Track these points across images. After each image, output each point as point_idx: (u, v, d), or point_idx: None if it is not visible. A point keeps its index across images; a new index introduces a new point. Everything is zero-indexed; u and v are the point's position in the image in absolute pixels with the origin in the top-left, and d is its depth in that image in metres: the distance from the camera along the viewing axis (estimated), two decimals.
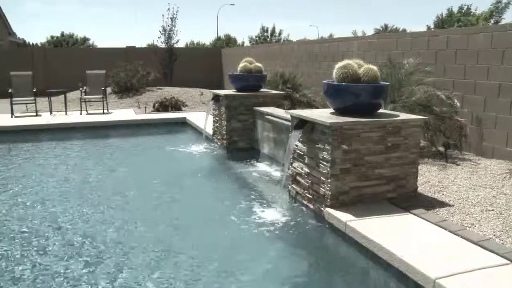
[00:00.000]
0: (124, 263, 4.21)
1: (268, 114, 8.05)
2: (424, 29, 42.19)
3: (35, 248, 4.52)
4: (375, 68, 5.30)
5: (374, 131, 4.99)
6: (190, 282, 3.87)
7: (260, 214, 5.32)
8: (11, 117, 12.99)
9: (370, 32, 61.26)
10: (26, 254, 4.38)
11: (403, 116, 5.36)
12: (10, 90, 13.33)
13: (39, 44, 55.39)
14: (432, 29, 37.08)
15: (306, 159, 5.41)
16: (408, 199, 5.11)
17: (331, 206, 4.90)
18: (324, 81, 5.47)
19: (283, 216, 5.25)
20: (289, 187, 5.89)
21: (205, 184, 7.16)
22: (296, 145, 5.60)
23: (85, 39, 59.38)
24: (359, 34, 52.40)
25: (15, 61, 21.75)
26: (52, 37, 58.04)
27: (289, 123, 6.12)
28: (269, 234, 4.83)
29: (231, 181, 7.17)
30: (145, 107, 14.60)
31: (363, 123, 4.95)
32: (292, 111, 6.05)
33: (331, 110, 5.56)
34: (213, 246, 4.66)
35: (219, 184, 7.13)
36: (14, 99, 13.25)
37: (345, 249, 4.43)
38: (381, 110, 5.55)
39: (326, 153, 4.95)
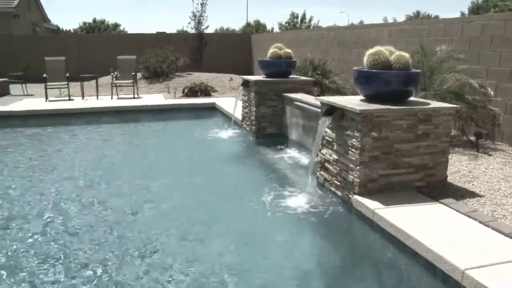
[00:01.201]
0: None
1: (297, 100, 8.03)
2: (458, 15, 41.23)
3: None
4: (406, 55, 5.23)
5: (404, 119, 4.94)
6: (216, 269, 3.93)
7: (288, 200, 5.34)
8: (46, 101, 13.28)
9: (401, 18, 60.24)
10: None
11: (435, 104, 5.28)
12: (44, 75, 13.61)
13: (72, 31, 56.20)
14: (467, 15, 36.20)
15: (335, 146, 5.40)
16: (437, 189, 5.06)
17: (359, 194, 4.89)
18: (355, 68, 5.43)
19: (311, 203, 5.26)
20: (317, 173, 5.89)
21: (233, 169, 7.21)
22: (325, 132, 5.58)
23: (116, 25, 60.05)
24: (390, 20, 51.55)
25: (49, 47, 22.11)
26: (84, 23, 58.89)
27: (318, 110, 6.10)
28: (296, 220, 4.86)
29: (259, 166, 7.20)
30: (175, 92, 14.72)
31: (393, 110, 4.90)
32: (321, 97, 6.02)
33: (361, 97, 5.52)
34: (239, 231, 4.71)
35: (247, 169, 7.17)
36: (48, 83, 13.53)
37: (372, 236, 4.42)
38: (411, 98, 5.48)
39: (355, 140, 4.92)
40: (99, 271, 3.78)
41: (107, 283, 3.61)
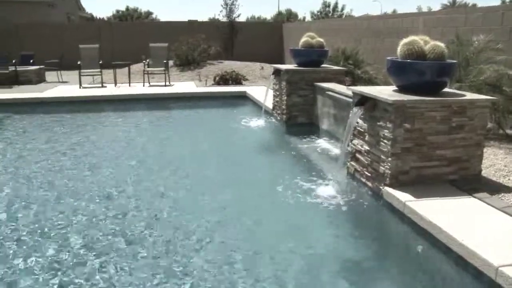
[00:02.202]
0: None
1: (329, 90, 7.96)
2: (498, 3, 40.07)
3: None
4: (442, 45, 5.11)
5: (438, 111, 4.84)
6: (249, 254, 3.95)
7: (318, 190, 5.32)
8: (79, 88, 13.52)
9: (436, 7, 58.89)
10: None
11: (470, 96, 5.16)
12: (79, 63, 13.85)
13: (106, 19, 56.93)
14: (508, 3, 35.14)
15: (367, 136, 5.34)
16: (470, 182, 4.95)
17: (390, 185, 4.83)
18: (388, 58, 5.34)
19: (341, 193, 5.23)
20: (348, 164, 5.84)
21: (263, 158, 7.22)
22: (357, 122, 5.52)
23: (148, 13, 60.56)
24: (424, 10, 50.50)
25: (83, 35, 22.46)
26: (117, 11, 59.64)
27: (350, 100, 6.04)
28: (326, 210, 4.84)
29: (290, 155, 7.19)
30: (206, 80, 14.77)
31: (427, 101, 4.80)
32: (354, 87, 5.95)
33: (394, 87, 5.43)
34: (269, 220, 4.72)
35: (277, 158, 7.17)
36: (82, 71, 13.77)
37: (402, 229, 4.37)
38: (446, 89, 5.37)
39: (387, 131, 4.86)
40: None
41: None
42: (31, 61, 16.63)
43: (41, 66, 16.70)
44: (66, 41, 21.98)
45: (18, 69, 15.28)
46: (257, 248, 4.07)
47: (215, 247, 4.07)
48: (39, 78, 16.09)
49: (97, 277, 3.56)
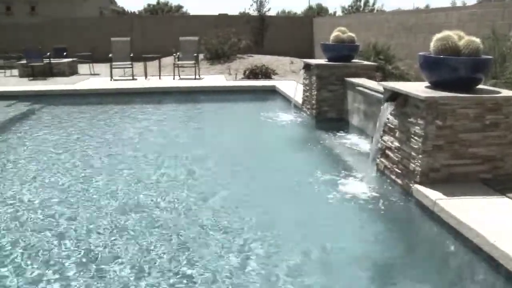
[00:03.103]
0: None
1: (359, 85, 7.88)
2: None
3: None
4: (477, 40, 4.98)
5: (472, 108, 4.73)
6: (272, 250, 3.95)
7: (347, 186, 5.27)
8: (111, 80, 13.71)
9: (471, 1, 57.60)
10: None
11: (506, 93, 5.03)
12: (110, 55, 14.05)
13: (137, 12, 57.54)
14: None
15: (397, 133, 5.26)
16: (504, 182, 4.83)
17: (420, 183, 4.75)
18: (420, 53, 5.25)
19: (370, 190, 5.17)
20: (378, 160, 5.77)
21: (292, 152, 7.19)
22: (387, 118, 5.45)
23: (179, 7, 60.94)
24: (459, 4, 49.43)
25: (115, 28, 22.73)
26: (148, 5, 60.13)
27: (381, 95, 5.96)
28: (354, 206, 4.80)
29: (318, 150, 7.15)
30: (236, 74, 14.80)
31: (460, 98, 4.70)
32: (385, 83, 5.87)
33: (426, 83, 5.33)
34: (297, 215, 4.70)
35: (306, 153, 7.13)
36: (113, 63, 13.97)
37: (432, 227, 4.30)
38: (480, 86, 5.24)
39: (418, 128, 4.78)
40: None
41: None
42: (64, 54, 16.96)
43: (74, 59, 17.03)
44: (98, 34, 22.28)
45: (52, 61, 15.61)
46: (279, 243, 4.07)
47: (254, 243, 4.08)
48: (71, 71, 16.40)
49: None
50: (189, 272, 3.53)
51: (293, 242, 4.08)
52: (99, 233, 4.20)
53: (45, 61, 15.41)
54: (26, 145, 7.43)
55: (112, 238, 4.10)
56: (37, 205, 4.88)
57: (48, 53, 15.77)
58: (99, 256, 3.77)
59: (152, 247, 3.93)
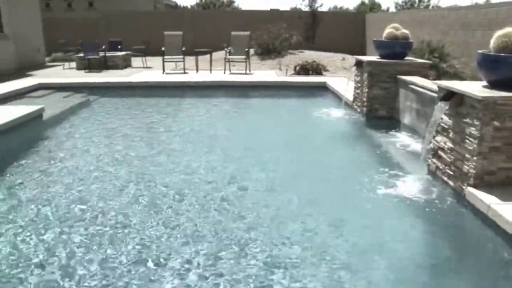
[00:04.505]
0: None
1: (412, 83, 7.69)
2: None
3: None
4: None
5: None
6: (320, 252, 3.91)
7: (396, 186, 5.16)
8: (163, 73, 13.97)
9: None
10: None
11: None
12: (163, 49, 14.31)
13: (189, 7, 58.31)
14: None
15: (451, 133, 5.11)
16: None
17: (474, 186, 4.59)
18: (479, 51, 5.05)
19: (420, 191, 5.04)
20: (429, 161, 5.63)
21: (341, 150, 7.11)
22: (441, 118, 5.29)
23: (230, 2, 61.25)
24: None
25: (168, 22, 23.10)
26: (201, 0, 60.71)
27: (435, 94, 5.80)
28: (403, 208, 4.69)
29: (368, 149, 7.04)
30: (286, 70, 14.76)
31: None
32: (439, 81, 5.70)
33: (483, 83, 5.13)
34: (343, 214, 4.64)
35: (355, 151, 7.04)
36: (165, 57, 14.22)
37: (485, 233, 4.14)
38: None
39: (474, 128, 4.62)
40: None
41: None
42: (119, 47, 17.39)
43: (128, 52, 17.43)
44: (151, 28, 22.68)
45: (107, 54, 16.06)
46: (327, 240, 4.03)
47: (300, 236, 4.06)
48: (125, 64, 16.82)
49: None
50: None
51: (332, 240, 4.04)
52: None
53: (100, 54, 15.86)
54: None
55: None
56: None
57: (104, 47, 16.23)
58: None
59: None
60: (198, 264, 3.57)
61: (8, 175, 5.63)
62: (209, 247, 3.83)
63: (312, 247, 3.88)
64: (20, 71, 15.38)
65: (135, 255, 3.69)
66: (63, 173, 5.76)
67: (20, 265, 3.55)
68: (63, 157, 6.45)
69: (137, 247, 3.83)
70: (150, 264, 3.57)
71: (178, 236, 4.05)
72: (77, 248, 3.80)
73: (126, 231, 4.14)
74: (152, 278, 3.38)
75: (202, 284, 3.31)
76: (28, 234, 4.05)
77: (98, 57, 15.81)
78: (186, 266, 3.55)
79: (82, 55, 15.86)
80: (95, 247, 3.82)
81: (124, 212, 4.54)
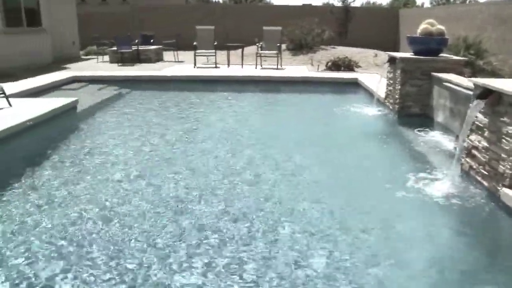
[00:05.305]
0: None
1: (447, 81, 7.55)
2: None
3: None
4: None
5: None
6: (348, 251, 3.89)
7: (428, 185, 5.08)
8: (194, 67, 14.06)
9: None
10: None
11: None
12: (194, 43, 14.40)
13: (221, 1, 58.40)
14: None
15: (486, 132, 5.00)
16: None
17: (510, 187, 4.49)
18: None
19: (452, 190, 4.95)
20: (463, 160, 5.52)
21: (372, 147, 7.04)
22: (476, 117, 5.18)
23: None
24: None
25: (199, 16, 23.20)
26: None
27: (470, 92, 5.69)
28: (435, 207, 4.61)
29: (399, 147, 6.96)
30: (318, 65, 14.68)
31: None
32: (476, 79, 5.58)
33: None
34: (373, 212, 4.59)
35: (386, 149, 6.97)
36: (197, 51, 14.31)
37: None
38: None
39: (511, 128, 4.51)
40: None
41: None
42: (151, 41, 17.57)
43: (160, 46, 17.60)
44: (183, 22, 22.82)
45: (139, 48, 16.25)
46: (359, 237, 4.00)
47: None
48: (157, 57, 16.99)
49: None
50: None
51: (361, 240, 4.00)
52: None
53: (133, 48, 16.06)
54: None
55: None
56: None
57: (136, 40, 16.43)
58: None
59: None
60: None
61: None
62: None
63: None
64: (56, 64, 15.70)
65: None
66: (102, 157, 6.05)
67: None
68: (99, 144, 6.76)
69: None
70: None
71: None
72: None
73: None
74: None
75: None
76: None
77: (131, 50, 16.01)
78: None
79: (115, 48, 16.10)
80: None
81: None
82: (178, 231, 4.02)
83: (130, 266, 3.45)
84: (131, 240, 3.86)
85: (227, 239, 3.87)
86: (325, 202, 4.76)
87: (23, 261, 3.50)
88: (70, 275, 3.33)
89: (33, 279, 3.28)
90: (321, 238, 3.94)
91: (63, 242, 3.81)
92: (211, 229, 4.06)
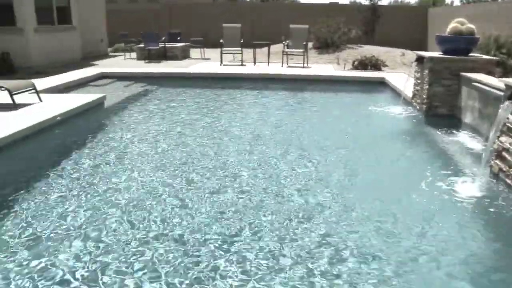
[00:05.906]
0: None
1: (476, 81, 7.41)
2: None
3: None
4: None
5: None
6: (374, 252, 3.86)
7: (456, 187, 5.00)
8: (220, 65, 14.12)
9: None
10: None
11: None
12: (221, 41, 14.47)
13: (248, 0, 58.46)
14: None
15: None
16: None
17: None
18: None
19: (481, 193, 4.87)
20: (492, 162, 5.42)
21: (398, 147, 6.97)
22: (507, 118, 5.09)
23: None
24: None
25: (226, 14, 23.30)
26: None
27: (501, 93, 5.58)
28: (463, 211, 4.54)
29: (427, 147, 6.87)
30: (345, 64, 14.58)
31: None
32: (507, 79, 5.47)
33: None
34: (398, 213, 4.53)
35: (412, 150, 6.88)
36: (224, 49, 14.37)
37: None
38: None
39: None
40: None
41: None
42: (178, 38, 17.71)
43: (186, 43, 17.73)
44: (210, 20, 22.95)
45: (166, 45, 16.40)
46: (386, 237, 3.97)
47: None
48: (184, 55, 17.12)
49: None
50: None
51: (385, 243, 3.96)
52: None
53: (160, 45, 16.22)
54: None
55: None
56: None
57: (163, 38, 16.59)
58: None
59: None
60: None
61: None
62: None
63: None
64: (85, 61, 15.97)
65: None
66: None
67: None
68: (129, 138, 6.98)
69: None
70: None
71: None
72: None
73: None
74: None
75: None
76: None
77: (158, 48, 16.17)
78: None
79: (142, 45, 16.28)
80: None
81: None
82: None
83: None
84: None
85: None
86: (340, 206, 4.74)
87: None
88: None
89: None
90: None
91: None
92: None
